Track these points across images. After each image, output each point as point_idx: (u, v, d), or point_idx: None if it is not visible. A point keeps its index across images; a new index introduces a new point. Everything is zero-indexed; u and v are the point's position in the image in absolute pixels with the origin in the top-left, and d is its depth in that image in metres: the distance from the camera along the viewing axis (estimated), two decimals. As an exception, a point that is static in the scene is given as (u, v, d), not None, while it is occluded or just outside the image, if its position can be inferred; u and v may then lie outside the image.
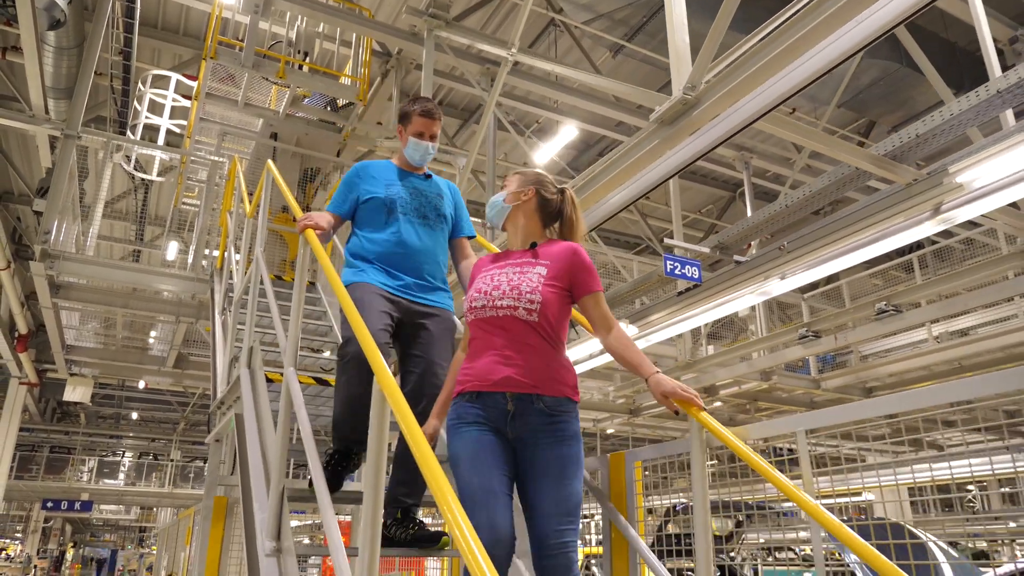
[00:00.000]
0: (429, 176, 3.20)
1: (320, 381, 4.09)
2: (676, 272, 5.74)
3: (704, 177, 13.69)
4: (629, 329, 6.97)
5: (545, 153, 12.04)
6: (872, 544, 1.77)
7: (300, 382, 3.81)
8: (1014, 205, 5.68)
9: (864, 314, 7.60)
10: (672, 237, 7.57)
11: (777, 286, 6.21)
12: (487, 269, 2.46)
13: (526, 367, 2.22)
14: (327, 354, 6.48)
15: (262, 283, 4.01)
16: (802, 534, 5.28)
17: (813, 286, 12.61)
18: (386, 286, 2.91)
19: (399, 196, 3.03)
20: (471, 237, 3.29)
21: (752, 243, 6.98)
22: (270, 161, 4.56)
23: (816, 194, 5.18)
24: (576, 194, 5.03)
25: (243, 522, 2.99)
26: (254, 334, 4.10)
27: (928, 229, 5.12)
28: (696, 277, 5.87)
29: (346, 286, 2.80)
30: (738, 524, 6.53)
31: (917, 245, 11.03)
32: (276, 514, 2.58)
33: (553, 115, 10.48)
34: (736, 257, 6.11)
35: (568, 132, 11.56)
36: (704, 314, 6.96)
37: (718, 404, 12.25)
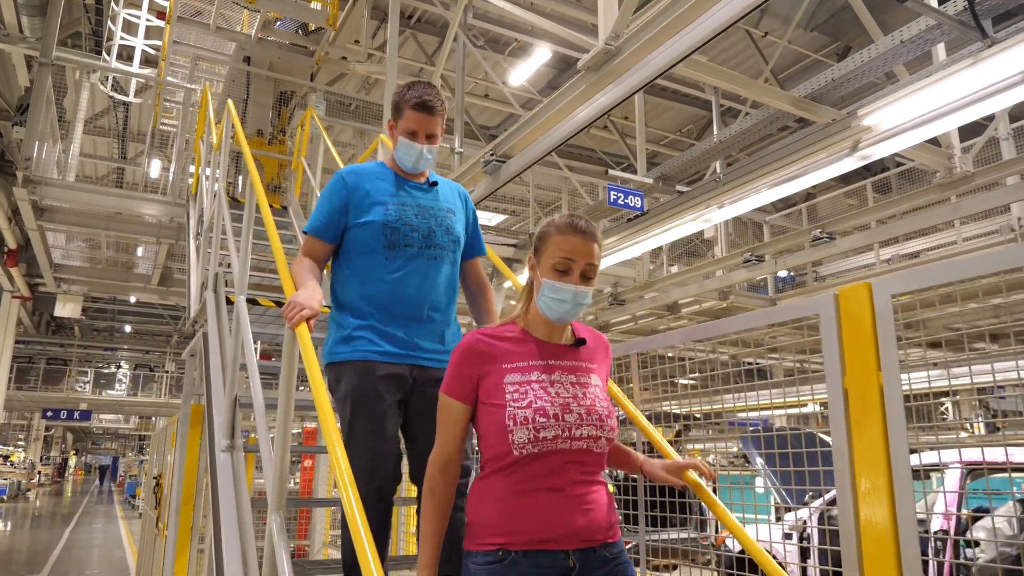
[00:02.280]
0: (434, 184, 2.49)
1: (279, 304, 4.56)
2: (619, 202, 6.15)
3: (685, 97, 13.86)
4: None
5: (520, 74, 12.20)
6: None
7: (260, 304, 4.31)
8: (934, 142, 6.06)
9: (802, 240, 8.07)
10: (650, 156, 7.95)
11: (717, 214, 6.64)
12: (524, 369, 1.80)
13: (596, 511, 1.75)
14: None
15: (238, 218, 4.41)
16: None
17: (789, 204, 13.06)
18: (389, 357, 2.26)
19: (403, 221, 2.35)
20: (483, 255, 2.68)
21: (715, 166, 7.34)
22: (230, 101, 4.89)
23: (745, 131, 5.54)
24: (514, 134, 5.37)
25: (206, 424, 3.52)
26: (220, 260, 4.53)
27: (849, 165, 5.52)
28: (639, 207, 6.28)
29: (332, 364, 2.29)
30: (678, 434, 7.16)
31: (883, 168, 11.43)
32: (230, 418, 3.10)
33: (527, 38, 10.63)
34: (678, 187, 6.52)
35: (541, 55, 11.70)
36: (653, 238, 7.42)
37: (683, 321, 12.85)
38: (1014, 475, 4.02)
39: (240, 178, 9.11)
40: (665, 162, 6.54)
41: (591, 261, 1.79)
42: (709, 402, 3.98)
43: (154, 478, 8.44)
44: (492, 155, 5.49)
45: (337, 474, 1.67)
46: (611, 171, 6.57)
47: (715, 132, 8.74)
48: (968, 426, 11.45)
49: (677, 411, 4.55)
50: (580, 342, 1.88)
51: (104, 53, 11.44)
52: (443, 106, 2.41)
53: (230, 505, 2.79)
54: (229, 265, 4.95)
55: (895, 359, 1.86)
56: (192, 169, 8.75)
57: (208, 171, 6.39)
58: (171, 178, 10.00)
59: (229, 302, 4.11)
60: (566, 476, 1.73)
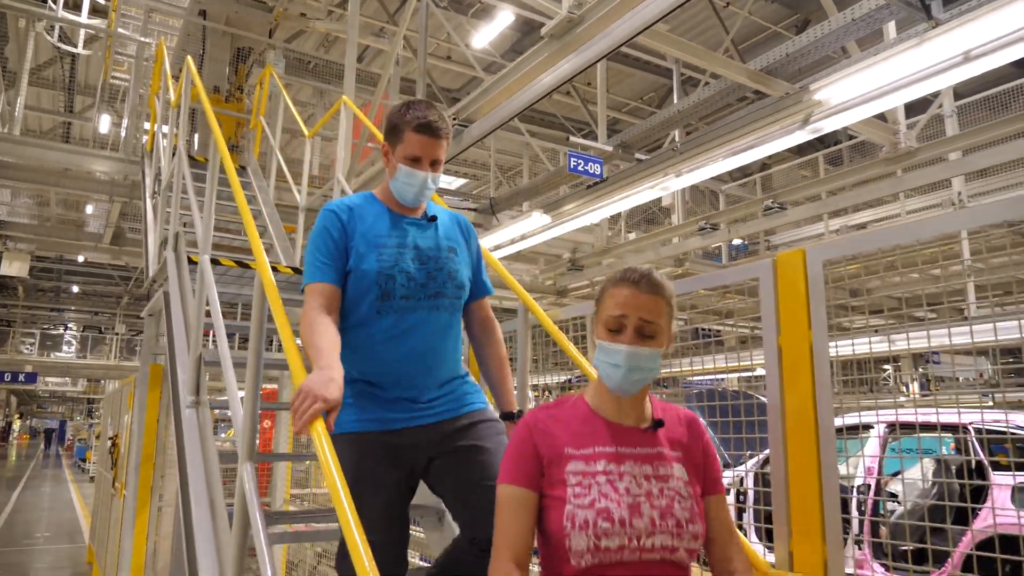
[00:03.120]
0: (433, 219, 2.16)
1: (240, 264, 4.59)
2: (579, 169, 6.26)
3: (647, 65, 13.92)
4: (542, 218, 7.54)
5: (483, 37, 12.13)
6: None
7: (222, 264, 4.33)
8: (882, 117, 6.28)
9: (755, 209, 8.31)
10: (611, 123, 8.04)
11: (674, 182, 6.80)
12: (589, 457, 1.51)
13: None
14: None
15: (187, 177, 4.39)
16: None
17: (745, 174, 13.33)
18: (387, 424, 1.98)
19: (399, 268, 2.03)
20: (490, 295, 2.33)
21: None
22: (189, 58, 4.83)
23: (704, 101, 5.68)
24: (478, 99, 5.40)
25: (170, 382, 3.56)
26: (180, 220, 4.51)
27: (800, 137, 5.71)
28: (598, 174, 6.40)
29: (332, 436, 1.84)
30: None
31: (835, 141, 11.74)
32: (194, 375, 3.16)
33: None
34: (638, 155, 6.64)
35: (505, 18, 11.64)
36: (612, 205, 7.56)
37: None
38: (944, 435, 4.31)
39: (196, 136, 8.94)
40: (625, 130, 6.66)
41: (647, 318, 1.48)
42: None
43: (109, 439, 8.40)
44: (455, 119, 5.53)
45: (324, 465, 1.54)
46: (572, 138, 6.67)
47: (675, 101, 8.89)
48: (904, 389, 11.99)
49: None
50: (658, 424, 1.56)
51: (50, 1, 11.01)
52: (448, 129, 2.09)
53: (197, 459, 2.86)
54: (187, 224, 4.95)
55: (823, 320, 2.02)
56: (147, 126, 8.57)
57: (165, 128, 6.29)
58: (123, 134, 9.76)
59: (191, 261, 4.12)
60: None
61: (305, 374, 1.82)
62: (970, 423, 3.77)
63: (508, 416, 2.16)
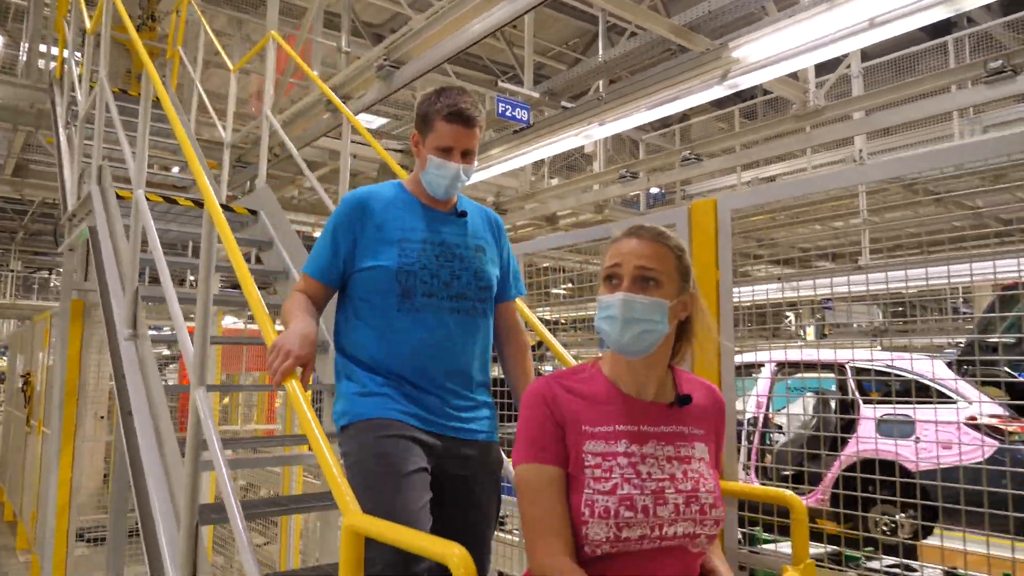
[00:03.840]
0: (464, 214, 2.07)
1: (168, 199, 4.55)
2: (507, 114, 6.37)
3: (573, 10, 13.92)
4: (469, 163, 7.64)
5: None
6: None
7: (148, 200, 4.30)
8: (794, 76, 6.63)
9: (673, 160, 8.65)
10: (536, 67, 8.11)
11: (597, 131, 7.01)
12: (608, 436, 1.39)
13: None
14: (176, 170, 6.77)
15: (109, 111, 4.29)
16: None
17: (665, 124, 13.69)
18: (417, 421, 1.87)
19: (421, 264, 1.94)
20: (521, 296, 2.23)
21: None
22: (109, -18, 4.63)
23: (628, 54, 5.86)
24: (409, 40, 5.41)
25: (103, 318, 3.58)
26: (103, 151, 4.41)
27: (718, 92, 5.98)
28: (525, 120, 6.53)
29: (353, 423, 1.87)
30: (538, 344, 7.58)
31: (751, 95, 12.18)
32: (131, 309, 3.20)
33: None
34: (563, 103, 6.81)
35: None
36: (537, 151, 7.73)
37: (561, 232, 13.43)
38: (824, 375, 4.80)
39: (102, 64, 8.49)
40: (552, 78, 6.79)
41: (646, 264, 1.41)
42: (582, 308, 4.41)
43: (22, 377, 8.16)
44: (385, 60, 5.53)
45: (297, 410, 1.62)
46: (500, 83, 6.75)
47: (600, 50, 9.04)
48: (801, 332, 12.84)
49: (548, 318, 4.95)
50: (684, 400, 1.44)
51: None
52: (482, 117, 2.01)
53: (140, 391, 2.94)
54: (108, 158, 4.83)
55: (729, 261, 2.32)
56: (54, 52, 8.10)
57: (78, 56, 6.02)
58: (22, 58, 9.18)
59: (119, 196, 4.06)
60: None
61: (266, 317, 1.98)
62: (847, 362, 4.24)
63: None
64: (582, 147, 10.60)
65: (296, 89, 9.04)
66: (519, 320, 2.19)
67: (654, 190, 12.68)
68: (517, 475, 1.40)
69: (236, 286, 6.55)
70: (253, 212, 4.53)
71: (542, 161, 11.57)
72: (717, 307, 2.30)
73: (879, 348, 7.89)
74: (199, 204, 4.53)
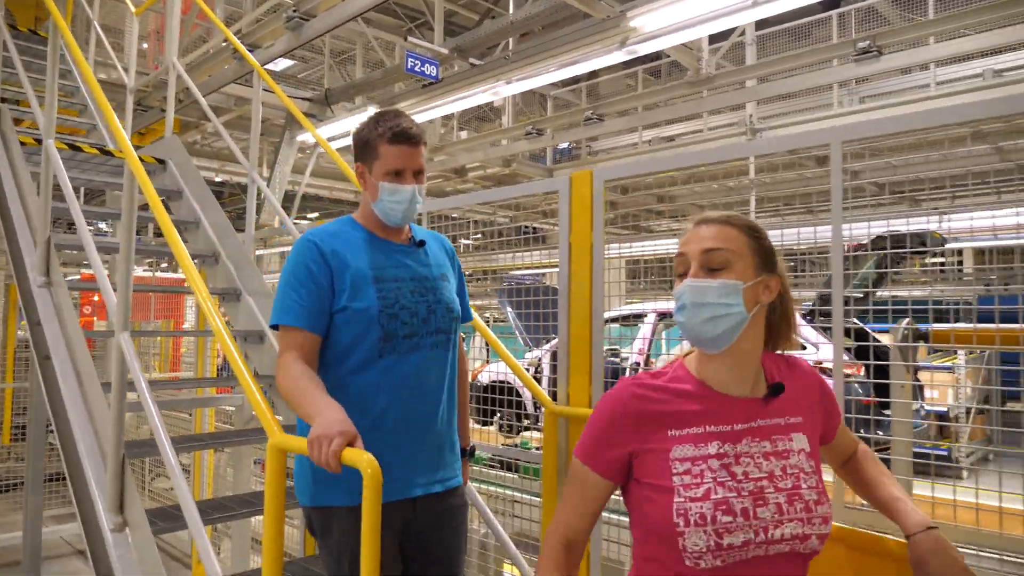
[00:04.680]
0: (422, 243, 1.99)
1: (71, 146, 4.53)
2: (416, 69, 6.51)
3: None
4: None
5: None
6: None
7: (58, 147, 4.29)
8: (687, 45, 7.05)
9: (578, 118, 9.01)
10: (447, 15, 8.18)
11: (505, 88, 7.25)
12: (698, 438, 1.30)
13: None
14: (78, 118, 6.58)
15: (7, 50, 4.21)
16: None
17: (575, 80, 14.00)
18: (388, 496, 1.65)
19: (400, 304, 1.85)
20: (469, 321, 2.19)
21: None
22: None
23: (534, 16, 6.10)
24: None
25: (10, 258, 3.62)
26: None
27: (619, 57, 6.32)
28: (434, 75, 6.69)
29: (317, 508, 1.81)
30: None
31: (656, 57, 12.62)
32: (44, 256, 3.29)
33: None
34: (471, 60, 6.98)
35: None
36: (446, 106, 7.90)
37: (469, 185, 13.63)
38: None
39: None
40: (461, 35, 6.94)
41: (711, 246, 1.31)
42: (487, 260, 4.75)
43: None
44: (295, 11, 5.56)
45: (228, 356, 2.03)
46: (410, 39, 6.86)
47: (511, 8, 9.20)
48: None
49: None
50: (776, 389, 1.34)
51: None
52: (424, 134, 1.92)
53: (56, 334, 3.06)
54: (5, 99, 4.73)
55: (601, 224, 2.69)
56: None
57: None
58: None
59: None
60: None
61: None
62: None
63: (464, 452, 2.09)
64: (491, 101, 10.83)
65: (200, 29, 8.81)
66: (463, 346, 2.12)
67: (562, 145, 13.05)
68: (572, 460, 1.39)
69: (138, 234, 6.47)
70: (161, 161, 4.57)
71: (451, 114, 11.69)
72: (590, 263, 2.66)
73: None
74: (104, 152, 4.54)
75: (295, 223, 3.98)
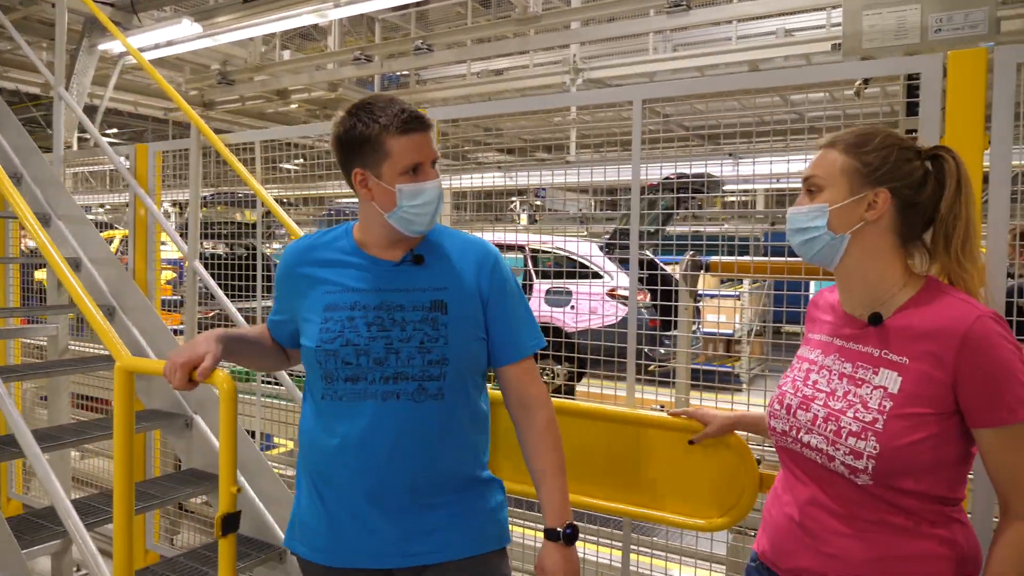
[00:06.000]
0: (420, 259, 1.58)
1: None
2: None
3: None
4: (192, 27, 7.19)
5: None
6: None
7: None
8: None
9: (407, 48, 8.95)
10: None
11: (333, 12, 7.06)
12: (814, 344, 1.46)
13: (844, 561, 1.31)
14: None
15: None
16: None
17: (404, 6, 13.68)
18: (332, 559, 1.54)
19: (344, 339, 1.51)
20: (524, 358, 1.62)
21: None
22: None
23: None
24: None
25: None
26: None
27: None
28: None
29: (292, 553, 1.62)
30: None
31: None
32: None
33: None
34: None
35: None
36: (268, 24, 7.54)
37: (293, 107, 13.08)
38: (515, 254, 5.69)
39: None
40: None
41: (809, 172, 1.39)
42: (312, 187, 4.74)
43: None
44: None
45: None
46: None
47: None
48: (518, 218, 14.18)
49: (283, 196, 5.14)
50: (874, 319, 1.33)
51: None
52: (430, 118, 1.53)
53: None
54: None
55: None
56: None
57: None
58: None
59: None
60: (795, 493, 1.39)
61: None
62: (526, 245, 5.13)
63: (550, 534, 1.56)
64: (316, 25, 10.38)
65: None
66: (529, 390, 1.61)
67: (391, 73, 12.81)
68: None
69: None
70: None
71: (274, 32, 11.10)
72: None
73: (585, 234, 9.18)
74: None
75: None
